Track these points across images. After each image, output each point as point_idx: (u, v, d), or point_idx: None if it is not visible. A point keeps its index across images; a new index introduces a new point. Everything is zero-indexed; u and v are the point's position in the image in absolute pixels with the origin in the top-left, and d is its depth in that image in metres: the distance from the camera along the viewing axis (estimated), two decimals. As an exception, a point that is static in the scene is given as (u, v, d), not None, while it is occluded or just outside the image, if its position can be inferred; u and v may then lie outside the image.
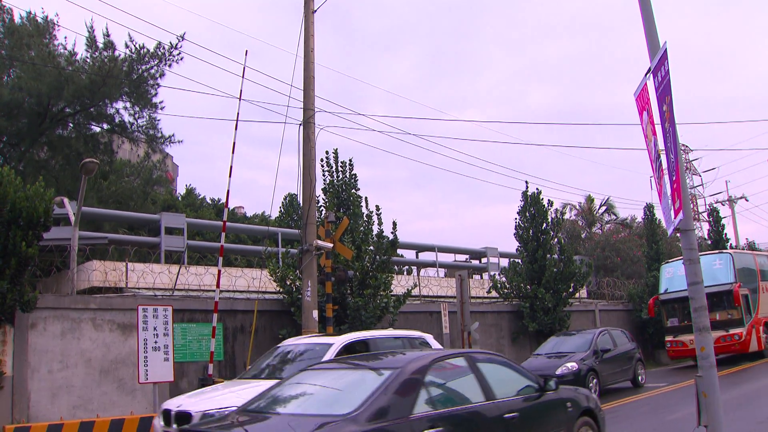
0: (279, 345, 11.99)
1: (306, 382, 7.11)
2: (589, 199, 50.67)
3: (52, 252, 19.14)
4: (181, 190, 47.98)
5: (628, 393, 18.48)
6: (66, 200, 19.19)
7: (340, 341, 10.79)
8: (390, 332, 12.76)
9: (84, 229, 22.21)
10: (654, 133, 7.11)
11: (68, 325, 14.50)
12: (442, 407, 6.65)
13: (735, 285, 23.75)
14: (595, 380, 17.55)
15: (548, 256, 26.73)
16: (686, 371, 23.35)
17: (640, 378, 20.17)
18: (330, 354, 10.19)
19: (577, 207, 50.33)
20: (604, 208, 52.20)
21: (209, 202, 43.95)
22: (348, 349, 10.87)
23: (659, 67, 6.88)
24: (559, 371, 16.99)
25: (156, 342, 13.50)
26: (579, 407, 8.46)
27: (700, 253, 25.38)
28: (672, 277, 24.95)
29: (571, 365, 17.41)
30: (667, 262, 25.69)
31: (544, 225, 27.19)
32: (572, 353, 18.37)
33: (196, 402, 9.53)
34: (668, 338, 25.38)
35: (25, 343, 13.70)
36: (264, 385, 8.74)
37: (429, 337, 12.68)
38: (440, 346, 12.64)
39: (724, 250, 27.79)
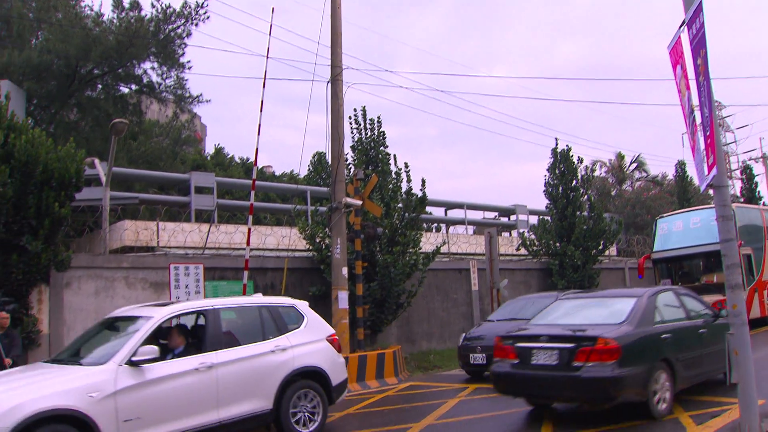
0: (110, 314, 10.07)
1: (576, 306, 10.76)
2: (620, 156, 50.12)
3: (85, 212, 19.37)
4: (209, 149, 48.19)
5: None
6: (97, 161, 19.35)
7: (160, 315, 8.71)
8: (247, 300, 10.61)
9: (115, 190, 22.44)
10: (688, 87, 6.98)
11: (102, 284, 14.72)
12: (666, 322, 9.93)
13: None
14: None
15: (578, 213, 26.53)
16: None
17: None
18: (143, 332, 8.30)
19: (607, 164, 49.84)
20: (634, 165, 51.56)
21: (238, 161, 44.07)
22: (168, 326, 9.10)
23: (694, 19, 6.73)
24: None
25: (188, 300, 13.69)
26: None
27: (696, 207, 23.81)
28: (667, 233, 22.23)
29: None
30: (662, 217, 23.00)
31: (574, 182, 26.95)
32: (527, 319, 14.26)
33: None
34: None
35: (60, 301, 13.94)
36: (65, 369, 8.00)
37: (301, 305, 10.54)
38: (315, 315, 10.54)
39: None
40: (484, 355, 14.40)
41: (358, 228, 16.73)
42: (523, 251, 27.94)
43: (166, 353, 8.71)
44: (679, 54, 7.13)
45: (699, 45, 6.69)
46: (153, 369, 8.08)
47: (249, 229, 16.15)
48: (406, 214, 18.91)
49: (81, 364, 8.18)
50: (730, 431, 7.72)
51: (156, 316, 8.66)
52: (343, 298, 15.78)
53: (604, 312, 9.97)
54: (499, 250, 22.21)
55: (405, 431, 9.55)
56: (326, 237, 17.95)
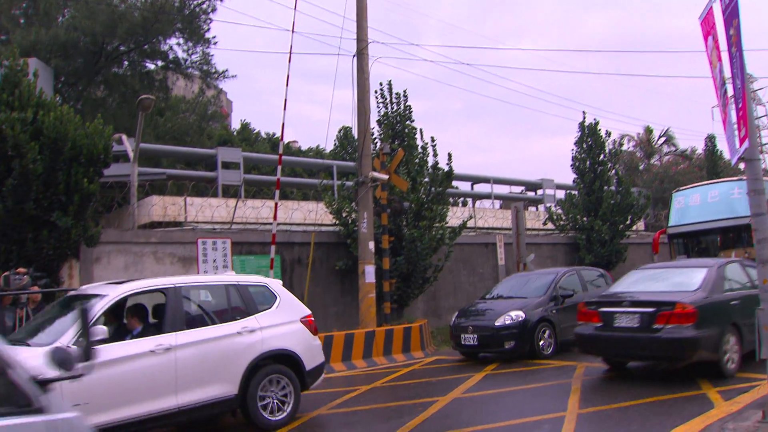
0: (71, 293, 9.52)
1: (651, 276, 11.65)
2: (648, 130, 49.48)
3: (113, 188, 19.55)
4: (235, 125, 48.28)
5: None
6: (124, 137, 19.51)
7: (114, 294, 8.16)
8: (214, 278, 10.32)
9: (142, 165, 22.59)
10: (719, 59, 6.86)
11: (131, 259, 14.88)
12: (734, 290, 10.78)
13: None
14: (548, 332, 13.88)
15: (605, 187, 26.32)
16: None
17: None
18: (93, 312, 7.75)
19: (636, 138, 49.20)
20: (663, 139, 50.86)
21: (264, 136, 44.14)
22: (124, 305, 8.70)
23: (726, -12, 6.60)
24: (498, 322, 13.62)
25: (216, 274, 13.80)
26: None
27: (714, 180, 22.88)
28: (683, 207, 20.75)
29: (516, 314, 13.73)
30: (679, 191, 21.62)
31: (602, 156, 26.70)
32: (523, 298, 14.65)
33: None
34: None
35: (90, 276, 14.11)
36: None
37: (274, 284, 9.93)
38: (289, 295, 9.93)
39: (744, 177, 24.78)
40: (475, 335, 13.65)
41: (384, 202, 16.73)
42: (549, 226, 27.82)
43: (125, 334, 8.39)
44: (710, 25, 7.00)
45: (731, 15, 6.56)
46: (103, 351, 7.16)
47: (276, 204, 16.20)
48: (433, 189, 18.87)
49: (29, 345, 7.59)
50: (759, 407, 7.65)
51: (110, 294, 8.09)
52: (369, 273, 15.82)
53: (678, 281, 10.90)
54: (526, 225, 22.12)
55: (431, 404, 9.59)
56: (353, 211, 17.97)
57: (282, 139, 17.16)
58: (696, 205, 19.89)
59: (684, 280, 10.82)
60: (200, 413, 8.29)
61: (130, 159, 18.14)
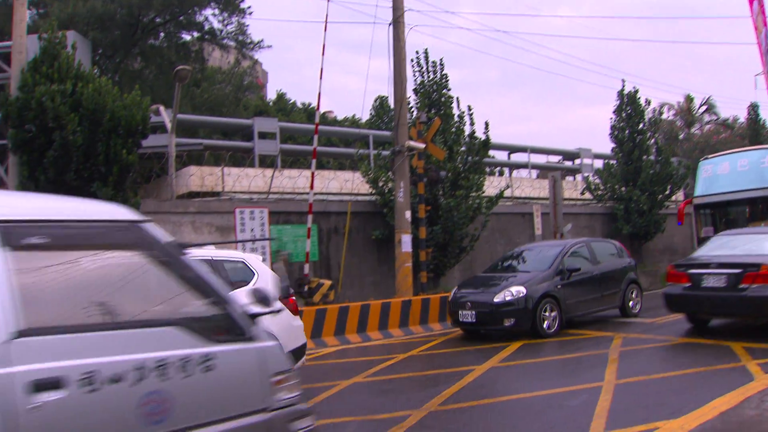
0: None
1: (735, 241, 12.30)
2: (689, 99, 48.43)
3: (151, 159, 19.76)
4: (271, 95, 48.40)
5: (597, 326, 13.95)
6: (162, 108, 19.62)
7: None
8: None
9: (180, 136, 22.76)
10: (765, 23, 6.69)
11: (169, 229, 15.04)
12: None
13: None
14: (551, 309, 12.81)
15: (644, 157, 25.97)
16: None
17: (631, 305, 15.02)
18: None
19: (676, 107, 48.26)
20: (704, 107, 49.72)
21: (300, 106, 44.20)
22: None
23: (771, -53, 6.40)
24: (497, 298, 12.57)
25: (253, 243, 13.90)
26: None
27: (744, 149, 21.85)
28: (711, 176, 19.38)
29: (517, 290, 12.63)
30: (707, 159, 20.37)
31: (641, 125, 26.34)
32: (527, 272, 13.64)
33: None
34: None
35: (130, 246, 14.26)
36: None
37: (252, 259, 9.36)
38: (267, 269, 9.29)
39: None
40: (473, 312, 12.76)
41: (421, 171, 16.69)
42: (587, 195, 27.56)
43: None
44: (755, -15, 6.81)
45: (777, -25, 6.37)
46: None
47: (312, 173, 16.24)
48: (469, 158, 18.78)
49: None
50: (801, 378, 7.56)
51: None
52: (406, 242, 15.83)
53: (762, 245, 11.64)
54: (563, 195, 21.90)
55: (467, 373, 9.60)
56: (389, 181, 17.96)
57: (318, 108, 17.15)
58: (724, 174, 18.96)
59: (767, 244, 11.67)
60: None
61: (167, 130, 18.26)
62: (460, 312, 12.98)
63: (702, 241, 19.30)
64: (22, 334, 3.09)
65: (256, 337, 4.14)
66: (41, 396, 3.06)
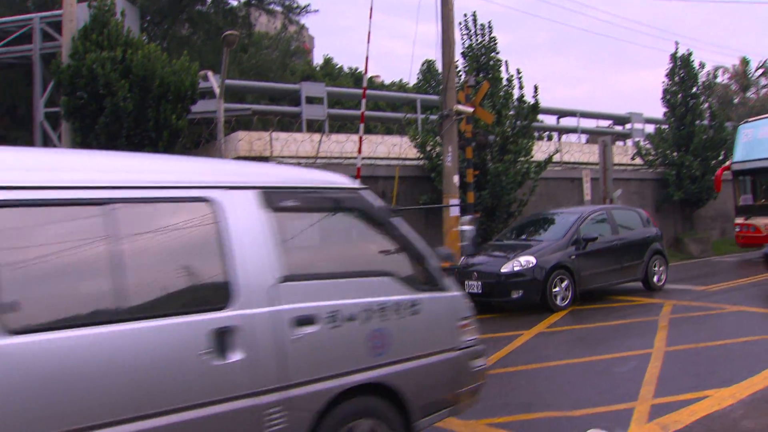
0: None
1: None
2: (744, 62, 47.03)
3: (200, 124, 19.94)
4: (318, 60, 48.31)
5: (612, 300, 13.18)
6: (210, 74, 19.73)
7: None
8: None
9: (228, 101, 22.90)
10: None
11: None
12: None
13: None
14: (564, 281, 12.16)
15: (697, 121, 25.31)
16: (748, 267, 18.37)
17: (656, 278, 14.14)
18: None
19: (731, 70, 46.94)
20: (760, 71, 48.26)
21: (347, 71, 44.06)
22: None
23: None
24: (505, 269, 11.96)
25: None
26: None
27: (761, 116, 21.02)
28: (751, 141, 18.43)
29: (526, 260, 12.03)
30: (747, 122, 19.27)
31: (694, 89, 25.64)
32: (539, 241, 13.03)
33: None
34: (738, 220, 18.92)
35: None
36: None
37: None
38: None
39: None
40: (479, 282, 12.09)
41: (469, 136, 16.55)
42: (638, 161, 27.06)
43: None
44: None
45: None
46: None
47: (360, 138, 16.22)
48: (518, 122, 18.56)
49: None
50: None
51: None
52: (454, 207, 15.78)
53: None
54: (613, 160, 21.54)
55: (516, 338, 9.60)
56: (437, 145, 17.86)
57: (366, 72, 17.07)
58: (766, 138, 18.16)
59: None
60: None
61: (216, 95, 18.36)
62: (466, 282, 12.16)
63: (740, 210, 18.87)
64: (286, 279, 3.85)
65: (448, 288, 4.93)
66: (301, 329, 3.85)
